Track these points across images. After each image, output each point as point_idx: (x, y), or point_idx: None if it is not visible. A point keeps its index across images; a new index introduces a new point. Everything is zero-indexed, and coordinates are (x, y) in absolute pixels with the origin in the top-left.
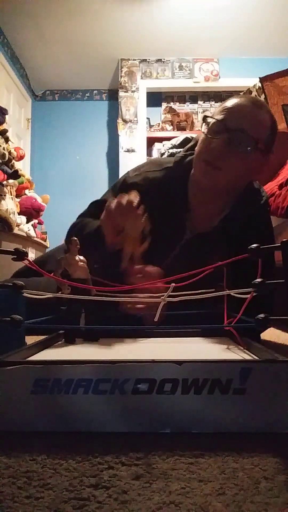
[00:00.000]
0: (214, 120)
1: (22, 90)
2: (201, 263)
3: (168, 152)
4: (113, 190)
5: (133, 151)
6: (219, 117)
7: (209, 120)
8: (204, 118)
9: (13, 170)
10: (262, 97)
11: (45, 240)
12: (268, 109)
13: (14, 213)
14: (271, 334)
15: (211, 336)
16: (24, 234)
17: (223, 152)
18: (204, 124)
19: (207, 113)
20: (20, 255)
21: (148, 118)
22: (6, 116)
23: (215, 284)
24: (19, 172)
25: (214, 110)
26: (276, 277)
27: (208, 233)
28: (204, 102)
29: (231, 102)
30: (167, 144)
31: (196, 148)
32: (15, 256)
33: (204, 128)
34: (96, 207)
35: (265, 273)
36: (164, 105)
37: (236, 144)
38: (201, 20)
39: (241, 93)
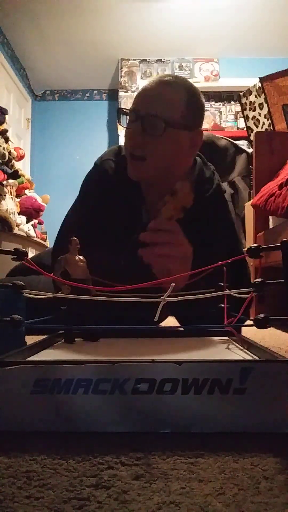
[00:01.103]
0: (127, 111)
1: (22, 90)
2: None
3: None
4: (86, 182)
5: None
6: (131, 105)
7: (123, 112)
8: (118, 110)
9: (13, 170)
10: (262, 97)
11: (45, 240)
12: (181, 83)
13: (14, 213)
14: (271, 334)
15: (211, 336)
16: (24, 234)
17: (140, 141)
18: (121, 116)
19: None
20: (20, 255)
21: None
22: (6, 116)
23: (212, 283)
24: (19, 172)
25: None
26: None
27: None
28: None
29: (141, 88)
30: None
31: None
32: (15, 256)
33: (122, 121)
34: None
35: (239, 274)
36: None
37: (150, 129)
38: (201, 20)
39: (241, 93)
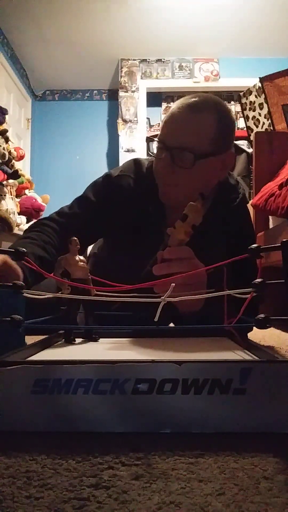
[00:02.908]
0: (156, 140)
1: (22, 90)
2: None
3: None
4: (93, 188)
5: (133, 151)
6: (160, 134)
7: (151, 140)
8: (147, 138)
9: (13, 170)
10: (262, 97)
11: None
12: (210, 106)
13: (14, 213)
14: (271, 334)
15: (211, 336)
16: None
17: (170, 171)
18: (150, 143)
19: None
20: (20, 255)
21: (148, 118)
22: (6, 116)
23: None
24: (19, 172)
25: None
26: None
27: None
28: None
29: (168, 114)
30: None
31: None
32: (15, 256)
33: (151, 148)
34: (81, 210)
35: (251, 274)
36: (164, 105)
37: (179, 162)
38: (201, 20)
39: (241, 93)
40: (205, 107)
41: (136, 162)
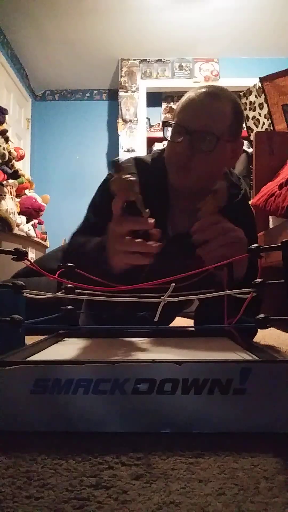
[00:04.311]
0: (173, 124)
1: (22, 90)
2: (185, 263)
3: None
4: (101, 192)
5: (133, 151)
6: (177, 119)
7: (168, 124)
8: (163, 123)
9: (13, 170)
10: (262, 97)
11: (45, 240)
12: (227, 95)
13: (14, 213)
14: (271, 334)
15: (211, 336)
16: (24, 234)
17: (188, 155)
18: (165, 128)
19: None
20: (20, 255)
21: (148, 118)
22: (6, 116)
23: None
24: (19, 172)
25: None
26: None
27: (189, 233)
28: None
29: (187, 100)
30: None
31: (164, 152)
32: (15, 256)
33: (166, 133)
34: (95, 218)
35: (251, 274)
36: (164, 105)
37: (199, 145)
38: (201, 20)
39: (241, 93)
40: (222, 95)
41: (136, 158)
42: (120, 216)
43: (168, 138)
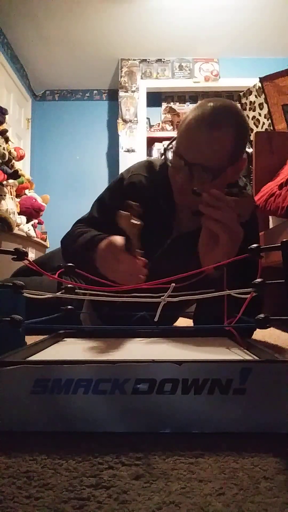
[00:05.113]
0: (173, 151)
1: (22, 90)
2: (186, 261)
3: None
4: (110, 192)
5: (133, 151)
6: (178, 145)
7: (168, 151)
8: (165, 149)
9: (13, 170)
10: (262, 97)
11: (45, 240)
12: (229, 118)
13: (14, 213)
14: (271, 334)
15: (211, 336)
16: (24, 234)
17: (188, 185)
18: (167, 152)
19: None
20: (20, 255)
21: (148, 118)
22: (6, 116)
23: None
24: (19, 172)
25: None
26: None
27: (193, 232)
28: None
29: (187, 127)
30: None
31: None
32: (15, 256)
33: (168, 155)
34: (99, 215)
35: (251, 274)
36: (164, 105)
37: (198, 178)
38: (201, 20)
39: (241, 93)
40: (224, 122)
41: (149, 161)
42: (121, 251)
43: (169, 163)
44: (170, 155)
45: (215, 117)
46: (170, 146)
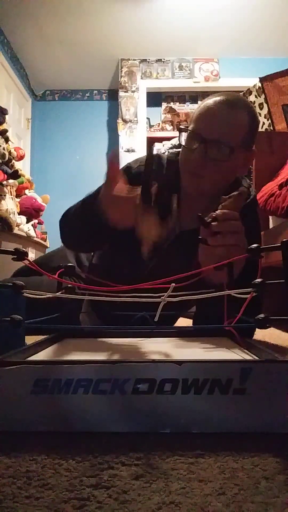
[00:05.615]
0: (189, 130)
1: (22, 90)
2: (187, 259)
3: (168, 152)
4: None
5: (133, 151)
6: (194, 126)
7: (184, 131)
8: (180, 129)
9: (13, 170)
10: (262, 97)
11: (45, 240)
12: (244, 105)
13: (14, 213)
14: (271, 334)
15: (211, 336)
16: (24, 234)
17: (202, 163)
18: (181, 134)
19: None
20: (20, 255)
21: (148, 118)
22: (6, 116)
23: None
24: (19, 172)
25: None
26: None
27: (194, 230)
28: None
29: (204, 107)
30: (167, 144)
31: (179, 156)
32: (15, 256)
33: (182, 139)
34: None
35: (251, 273)
36: (164, 105)
37: (213, 154)
38: (201, 20)
39: (241, 93)
40: (240, 105)
41: (157, 155)
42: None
43: (183, 144)
44: (183, 139)
45: (234, 100)
46: (185, 126)
